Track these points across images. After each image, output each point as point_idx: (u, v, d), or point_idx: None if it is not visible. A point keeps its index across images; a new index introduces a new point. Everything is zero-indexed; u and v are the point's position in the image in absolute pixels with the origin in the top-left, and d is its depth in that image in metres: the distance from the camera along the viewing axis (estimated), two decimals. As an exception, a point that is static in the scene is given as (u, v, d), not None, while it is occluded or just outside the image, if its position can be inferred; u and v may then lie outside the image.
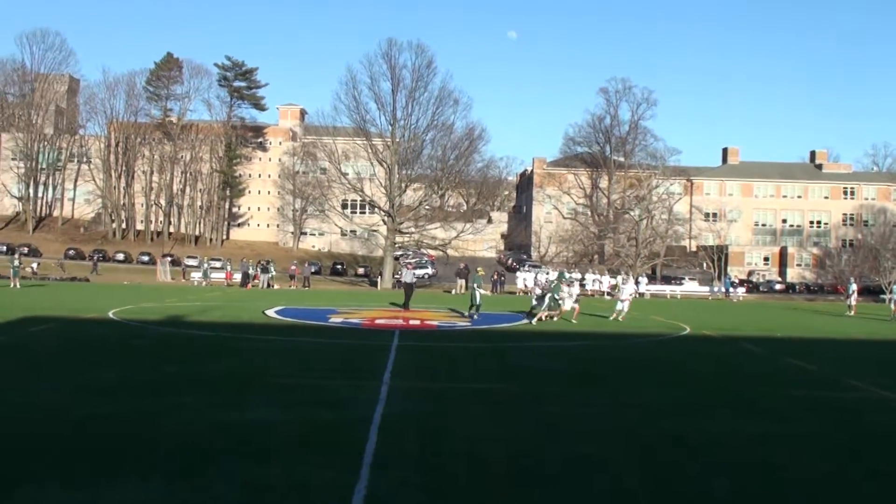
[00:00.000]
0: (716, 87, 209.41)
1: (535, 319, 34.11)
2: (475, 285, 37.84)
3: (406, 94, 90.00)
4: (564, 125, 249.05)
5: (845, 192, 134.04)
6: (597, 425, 13.66)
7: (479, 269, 42.47)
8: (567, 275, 40.00)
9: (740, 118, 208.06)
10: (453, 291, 68.27)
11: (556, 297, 34.75)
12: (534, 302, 36.18)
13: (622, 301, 38.03)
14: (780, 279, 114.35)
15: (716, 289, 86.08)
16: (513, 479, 10.21)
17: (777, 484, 10.46)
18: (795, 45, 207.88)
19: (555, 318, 34.80)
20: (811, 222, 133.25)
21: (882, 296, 78.41)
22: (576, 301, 36.26)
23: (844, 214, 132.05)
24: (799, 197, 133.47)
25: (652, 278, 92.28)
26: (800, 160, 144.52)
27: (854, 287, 52.97)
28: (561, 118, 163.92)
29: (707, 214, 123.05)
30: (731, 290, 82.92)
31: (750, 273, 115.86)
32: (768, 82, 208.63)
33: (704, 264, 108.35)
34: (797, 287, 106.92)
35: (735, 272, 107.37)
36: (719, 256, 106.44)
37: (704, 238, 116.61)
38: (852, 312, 48.08)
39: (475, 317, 35.88)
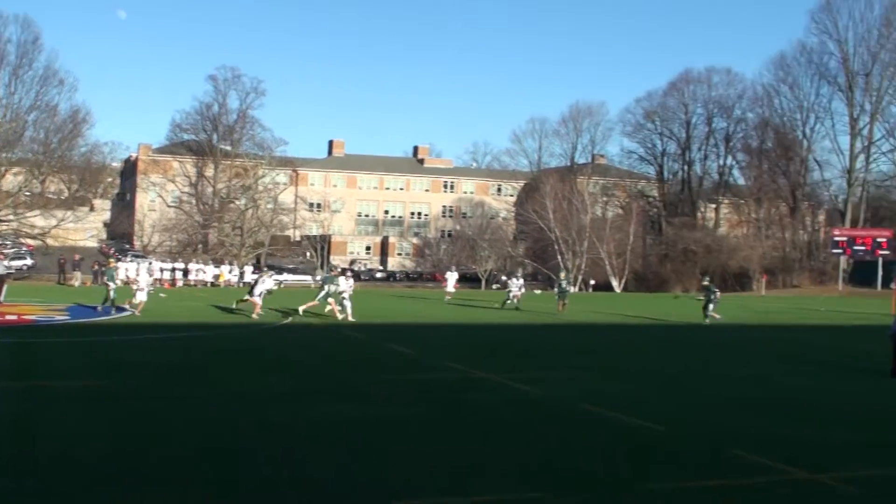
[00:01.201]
0: (323, 80, 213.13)
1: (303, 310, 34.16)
2: (107, 279, 36.11)
3: (10, 72, 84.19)
4: (172, 112, 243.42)
5: (445, 186, 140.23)
6: (197, 417, 13.49)
7: (110, 261, 40.72)
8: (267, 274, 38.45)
9: (347, 112, 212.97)
10: (76, 283, 63.96)
11: (330, 289, 34.33)
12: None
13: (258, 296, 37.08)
14: (381, 268, 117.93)
15: (318, 277, 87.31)
16: (114, 479, 9.86)
17: (380, 465, 10.75)
18: (400, 41, 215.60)
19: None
20: (412, 213, 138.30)
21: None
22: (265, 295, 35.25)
23: (444, 206, 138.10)
24: (401, 189, 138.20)
25: (257, 267, 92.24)
26: (403, 154, 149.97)
27: (455, 276, 55.50)
28: (169, 104, 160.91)
29: (312, 205, 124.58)
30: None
31: (352, 262, 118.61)
32: (375, 77, 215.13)
33: (308, 254, 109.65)
34: (398, 275, 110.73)
35: (338, 261, 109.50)
36: (323, 246, 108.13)
37: (309, 228, 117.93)
38: (449, 298, 50.17)
39: (99, 309, 34.06)
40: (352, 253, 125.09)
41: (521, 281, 47.33)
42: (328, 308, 34.19)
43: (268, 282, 35.86)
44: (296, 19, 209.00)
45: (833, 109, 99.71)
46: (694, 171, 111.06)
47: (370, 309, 39.39)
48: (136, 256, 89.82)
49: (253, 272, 78.39)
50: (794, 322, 42.00)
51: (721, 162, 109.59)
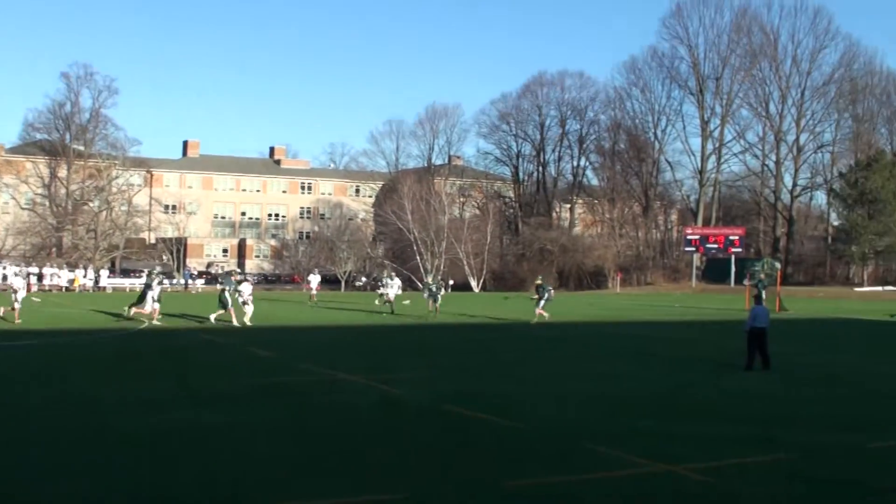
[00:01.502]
0: (177, 79, 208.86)
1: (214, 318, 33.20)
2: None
3: None
4: (25, 110, 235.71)
5: (303, 187, 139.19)
6: (47, 425, 13.14)
7: None
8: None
9: (201, 111, 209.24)
10: None
11: (227, 296, 33.21)
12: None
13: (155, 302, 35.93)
14: (239, 270, 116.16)
15: (175, 281, 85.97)
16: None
17: (243, 470, 10.63)
18: (255, 40, 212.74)
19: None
20: (270, 215, 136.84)
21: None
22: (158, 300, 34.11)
23: (302, 208, 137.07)
24: (258, 191, 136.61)
25: (112, 271, 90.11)
26: (260, 155, 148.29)
27: (318, 278, 55.21)
28: (23, 103, 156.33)
29: (167, 206, 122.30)
30: (190, 281, 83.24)
31: (209, 265, 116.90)
32: (230, 77, 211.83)
33: (164, 256, 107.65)
34: (256, 278, 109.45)
35: (194, 264, 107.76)
36: (179, 248, 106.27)
37: (164, 230, 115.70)
38: (313, 301, 49.74)
39: None
40: (208, 255, 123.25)
41: (398, 281, 46.72)
42: (217, 315, 33.65)
43: (156, 287, 34.93)
44: (149, 15, 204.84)
45: (684, 112, 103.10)
46: (549, 172, 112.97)
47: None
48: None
49: (109, 276, 76.68)
50: (649, 319, 42.97)
51: (575, 163, 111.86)
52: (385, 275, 53.10)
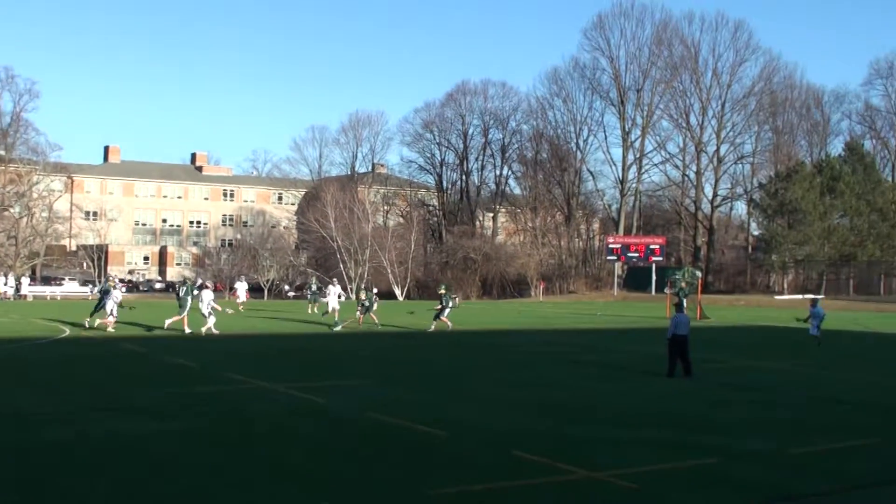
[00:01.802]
0: (98, 83, 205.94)
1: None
2: None
3: None
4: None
5: (225, 195, 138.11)
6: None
7: None
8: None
9: (123, 117, 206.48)
10: None
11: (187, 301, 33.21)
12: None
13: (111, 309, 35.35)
14: (160, 278, 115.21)
15: (96, 289, 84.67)
16: None
17: (165, 481, 10.49)
18: (178, 46, 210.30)
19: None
20: (191, 222, 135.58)
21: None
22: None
23: (224, 215, 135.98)
24: (179, 197, 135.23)
25: (33, 279, 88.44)
26: (181, 162, 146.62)
27: (245, 286, 54.70)
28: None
29: (88, 213, 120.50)
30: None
31: (130, 272, 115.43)
32: (151, 82, 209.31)
33: (85, 264, 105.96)
34: (177, 285, 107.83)
35: (115, 271, 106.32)
36: (100, 256, 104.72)
37: (85, 237, 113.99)
38: (241, 309, 49.14)
39: None
40: (129, 263, 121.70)
41: (339, 289, 45.37)
42: (172, 320, 33.46)
43: (117, 294, 34.44)
44: (69, 18, 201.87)
45: (606, 123, 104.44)
46: (472, 181, 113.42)
47: (155, 321, 38.30)
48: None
49: (30, 284, 75.20)
50: (573, 326, 43.26)
51: (498, 172, 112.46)
52: (314, 282, 52.57)
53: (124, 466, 11.20)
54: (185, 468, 11.21)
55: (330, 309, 42.50)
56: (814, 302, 33.98)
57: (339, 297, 44.21)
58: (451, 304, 37.52)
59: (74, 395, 17.26)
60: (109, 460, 11.56)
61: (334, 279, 47.94)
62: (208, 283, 40.00)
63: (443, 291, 38.83)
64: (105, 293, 34.63)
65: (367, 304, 39.83)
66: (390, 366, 24.20)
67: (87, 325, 34.19)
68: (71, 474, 10.78)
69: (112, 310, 33.41)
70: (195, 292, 34.31)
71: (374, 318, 39.70)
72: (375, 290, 43.45)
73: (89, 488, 10.17)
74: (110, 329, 32.88)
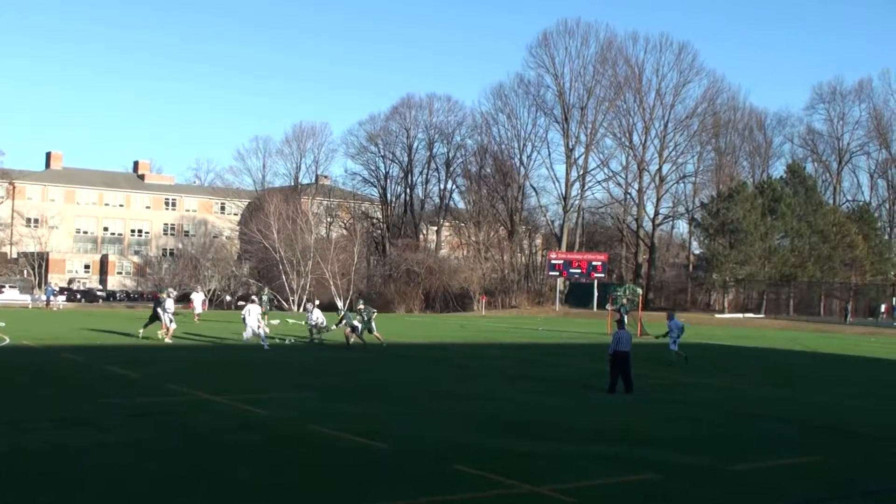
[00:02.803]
0: (42, 89, 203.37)
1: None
2: None
3: None
4: None
5: (167, 203, 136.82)
6: None
7: None
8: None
9: (65, 122, 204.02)
10: None
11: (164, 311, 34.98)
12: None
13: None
14: (101, 287, 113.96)
15: (37, 297, 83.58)
16: None
17: (107, 491, 10.45)
18: (119, 52, 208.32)
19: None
20: (133, 231, 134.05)
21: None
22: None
23: (166, 224, 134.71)
24: (121, 206, 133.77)
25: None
26: (124, 170, 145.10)
27: (202, 297, 54.47)
28: None
29: (29, 220, 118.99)
30: (52, 298, 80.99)
31: (71, 281, 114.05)
32: (94, 88, 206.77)
33: (26, 271, 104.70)
34: (118, 295, 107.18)
35: (56, 280, 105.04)
36: (41, 263, 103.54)
37: (26, 244, 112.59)
38: (196, 320, 48.67)
39: None
40: (70, 271, 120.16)
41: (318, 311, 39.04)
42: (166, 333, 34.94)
43: (170, 304, 36.20)
44: (12, 21, 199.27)
45: (549, 139, 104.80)
46: (416, 194, 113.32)
47: (85, 331, 37.96)
48: None
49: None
50: (514, 341, 43.45)
51: (442, 186, 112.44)
52: (265, 299, 47.91)
53: (65, 479, 11.13)
54: (125, 480, 11.17)
55: (315, 325, 37.92)
56: (670, 315, 33.63)
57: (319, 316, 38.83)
58: (368, 318, 35.61)
59: (16, 404, 17.10)
60: (49, 470, 11.49)
61: (315, 300, 46.23)
62: (255, 298, 40.15)
63: (361, 307, 36.83)
64: (158, 304, 36.08)
65: (365, 318, 35.83)
66: (332, 378, 24.18)
67: (139, 336, 35.13)
68: (10, 488, 10.70)
69: (170, 319, 35.16)
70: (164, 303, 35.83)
71: (379, 336, 36.01)
72: (370, 308, 38.75)
73: (29, 499, 10.11)
74: (167, 340, 34.24)
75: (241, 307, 45.01)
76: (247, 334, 34.49)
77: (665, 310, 56.48)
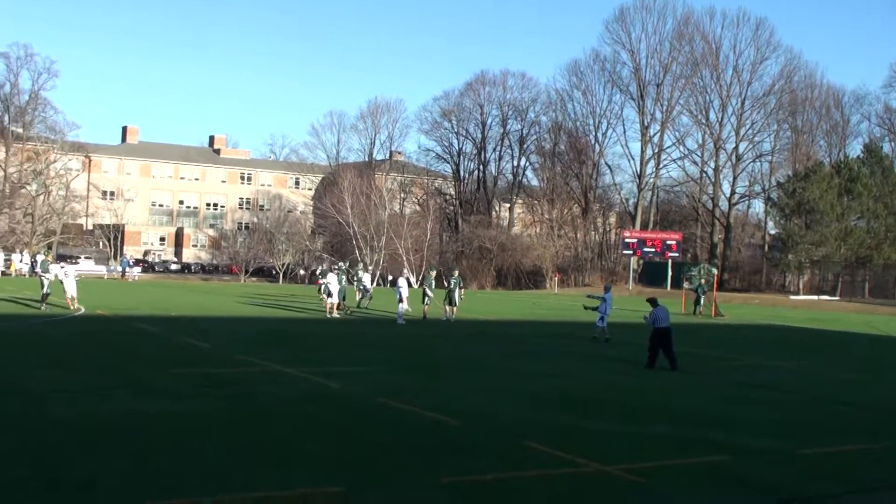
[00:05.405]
0: (117, 64, 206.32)
1: None
2: None
3: None
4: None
5: (242, 178, 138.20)
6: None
7: None
8: None
9: (141, 98, 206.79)
10: None
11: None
12: None
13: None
14: (176, 259, 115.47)
15: (112, 268, 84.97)
16: None
17: (180, 460, 10.53)
18: (198, 28, 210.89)
19: None
20: (208, 204, 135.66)
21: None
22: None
23: (241, 198, 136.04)
24: (197, 179, 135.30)
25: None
26: (199, 144, 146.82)
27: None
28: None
29: (105, 193, 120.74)
30: (127, 269, 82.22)
31: (146, 253, 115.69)
32: (171, 64, 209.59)
33: (101, 243, 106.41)
34: (193, 267, 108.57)
35: (131, 252, 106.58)
36: (116, 235, 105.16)
37: (102, 216, 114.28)
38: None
39: None
40: (146, 244, 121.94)
41: (368, 275, 42.66)
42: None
43: (364, 276, 38.93)
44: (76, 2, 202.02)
45: (625, 116, 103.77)
46: (489, 171, 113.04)
47: (161, 301, 38.46)
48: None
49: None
50: (589, 319, 43.12)
51: (515, 163, 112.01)
52: (330, 267, 48.31)
53: (138, 445, 11.25)
54: (199, 450, 11.26)
55: (363, 290, 40.06)
56: (606, 287, 31.64)
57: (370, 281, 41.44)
58: (451, 290, 35.99)
59: (90, 373, 17.36)
60: (122, 438, 11.61)
61: (360, 262, 47.13)
62: (335, 267, 41.14)
63: (455, 275, 36.87)
64: (350, 278, 38.08)
65: (452, 287, 36.18)
66: (403, 353, 24.22)
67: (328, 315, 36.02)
68: (86, 452, 10.84)
69: (365, 291, 38.25)
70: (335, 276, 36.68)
71: (447, 308, 35.97)
72: (458, 276, 38.10)
73: (104, 466, 10.23)
74: (335, 314, 35.67)
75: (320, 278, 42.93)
76: (403, 307, 34.23)
77: (739, 291, 55.78)
